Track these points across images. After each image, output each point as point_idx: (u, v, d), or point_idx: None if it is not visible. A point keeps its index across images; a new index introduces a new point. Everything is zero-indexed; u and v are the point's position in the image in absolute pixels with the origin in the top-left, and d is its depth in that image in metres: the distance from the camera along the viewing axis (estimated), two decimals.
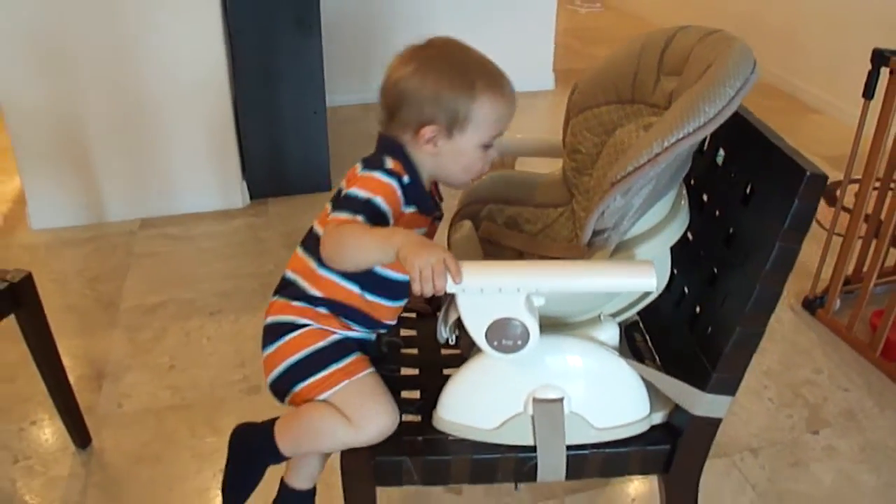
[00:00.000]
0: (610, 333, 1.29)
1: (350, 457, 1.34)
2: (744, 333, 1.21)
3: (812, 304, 2.63)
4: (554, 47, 4.75)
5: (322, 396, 1.34)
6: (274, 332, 1.40)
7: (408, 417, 1.37)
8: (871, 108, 2.36)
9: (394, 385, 1.38)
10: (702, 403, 1.28)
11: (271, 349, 1.39)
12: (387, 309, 1.41)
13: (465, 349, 1.35)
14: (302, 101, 3.21)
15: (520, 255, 1.53)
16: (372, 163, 1.33)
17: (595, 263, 1.21)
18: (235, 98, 3.15)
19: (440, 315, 1.27)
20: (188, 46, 2.97)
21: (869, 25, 4.09)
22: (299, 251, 1.43)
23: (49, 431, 2.11)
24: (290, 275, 1.42)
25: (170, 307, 2.63)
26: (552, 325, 1.24)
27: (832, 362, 2.44)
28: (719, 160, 1.34)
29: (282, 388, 1.39)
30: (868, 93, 2.34)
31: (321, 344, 1.36)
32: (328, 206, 1.34)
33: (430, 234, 1.42)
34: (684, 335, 1.37)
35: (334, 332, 1.37)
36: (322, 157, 3.33)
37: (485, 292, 1.15)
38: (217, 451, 2.03)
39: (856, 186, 2.47)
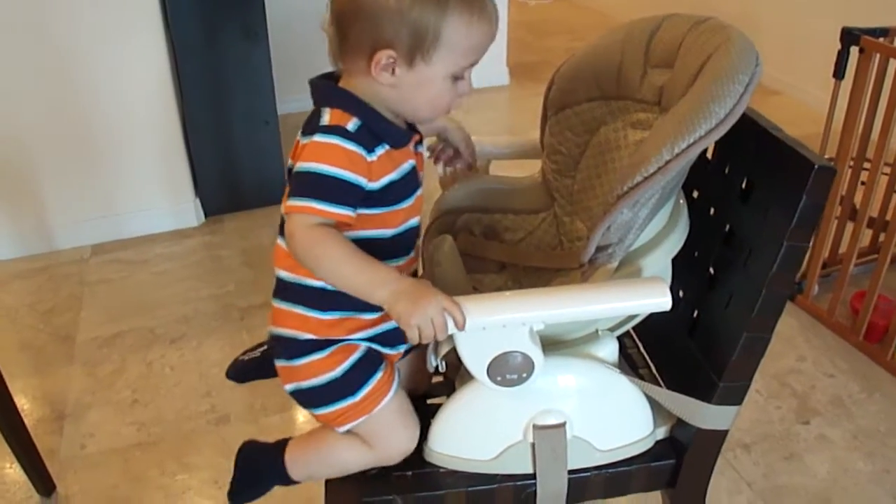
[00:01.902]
0: (609, 349, 1.20)
1: (335, 498, 1.25)
2: (751, 339, 1.13)
3: (791, 291, 2.58)
4: (506, 41, 4.67)
5: (344, 428, 1.22)
6: (283, 347, 1.23)
7: None
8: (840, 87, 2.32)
9: None
10: (708, 416, 1.21)
11: (282, 364, 1.24)
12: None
13: (456, 376, 1.25)
14: (252, 111, 3.11)
15: (502, 266, 1.44)
16: (309, 126, 1.13)
17: (604, 287, 1.11)
18: (183, 113, 3.04)
19: (430, 345, 1.15)
20: (131, 62, 2.86)
21: (825, 6, 4.07)
22: (279, 242, 1.22)
23: (10, 480, 1.99)
24: (280, 273, 1.23)
25: (128, 337, 2.51)
26: (548, 344, 1.14)
27: (816, 349, 2.40)
28: (708, 153, 1.25)
29: (308, 404, 1.26)
30: (838, 73, 2.30)
31: (341, 368, 1.20)
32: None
33: (418, 165, 1.23)
34: (683, 341, 1.29)
35: (353, 350, 1.21)
36: (277, 168, 3.23)
37: (487, 329, 1.06)
38: (189, 488, 1.94)
39: None
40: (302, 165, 1.09)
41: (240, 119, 3.12)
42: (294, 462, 1.29)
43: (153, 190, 3.10)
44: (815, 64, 2.39)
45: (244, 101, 3.09)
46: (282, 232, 1.17)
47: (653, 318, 1.21)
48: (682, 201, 1.24)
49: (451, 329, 1.03)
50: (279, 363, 1.25)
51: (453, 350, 1.10)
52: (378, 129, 1.14)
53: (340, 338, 1.21)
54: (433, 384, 1.44)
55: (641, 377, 1.35)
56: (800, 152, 1.03)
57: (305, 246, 1.07)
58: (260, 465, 1.33)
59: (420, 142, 1.26)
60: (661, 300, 1.06)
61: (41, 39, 2.72)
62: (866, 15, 2.82)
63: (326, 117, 1.12)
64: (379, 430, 1.21)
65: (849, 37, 2.24)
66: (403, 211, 1.20)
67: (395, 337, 1.24)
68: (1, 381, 1.79)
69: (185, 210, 3.16)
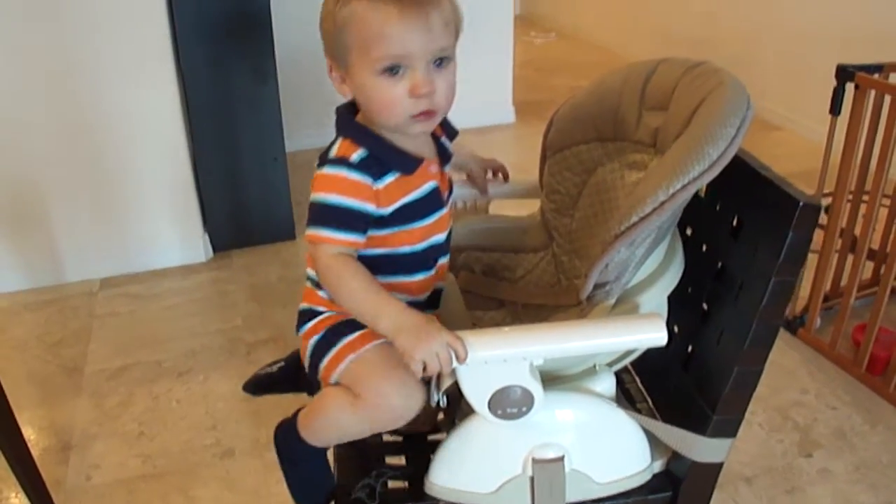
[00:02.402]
0: (606, 384, 1.22)
1: None
2: (742, 372, 1.16)
3: (793, 324, 2.59)
4: (512, 80, 4.72)
5: (332, 378, 1.25)
6: (301, 318, 1.32)
7: (395, 484, 1.29)
8: (837, 123, 2.34)
9: (377, 450, 1.31)
10: (702, 448, 1.22)
11: (300, 333, 1.32)
12: (410, 284, 1.28)
13: (456, 415, 1.27)
14: (261, 149, 3.14)
15: (501, 303, 1.46)
16: (322, 158, 1.19)
17: (602, 322, 1.15)
18: (193, 150, 3.09)
19: (432, 380, 1.18)
20: (142, 99, 2.89)
21: (824, 42, 4.11)
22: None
23: None
24: (310, 272, 1.31)
25: (136, 370, 2.53)
26: (547, 379, 1.17)
27: (818, 382, 2.41)
28: (701, 192, 1.28)
29: (313, 373, 1.30)
30: (835, 109, 2.33)
31: (335, 323, 1.27)
32: None
33: (442, 186, 1.27)
34: (678, 375, 1.31)
35: (349, 315, 1.26)
36: (284, 205, 3.26)
37: (488, 363, 1.09)
38: None
39: (827, 202, 2.45)
40: (312, 196, 1.16)
41: (248, 156, 3.15)
42: (306, 430, 1.30)
43: (162, 225, 3.13)
44: (815, 99, 2.42)
45: (253, 138, 3.12)
46: None
47: (649, 353, 1.23)
48: (677, 240, 1.26)
49: (454, 363, 1.06)
50: (299, 333, 1.32)
51: (455, 385, 1.13)
52: (385, 158, 1.18)
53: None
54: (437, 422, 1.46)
55: (639, 411, 1.37)
56: (785, 190, 1.06)
57: (324, 273, 1.17)
58: (289, 442, 1.34)
59: (447, 161, 1.30)
60: (657, 335, 1.09)
61: (55, 77, 2.77)
62: (864, 50, 2.86)
63: (335, 149, 1.18)
64: (364, 374, 1.21)
65: (844, 73, 2.27)
66: (423, 229, 1.25)
67: None
68: (8, 411, 1.81)
69: (193, 245, 3.19)
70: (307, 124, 4.04)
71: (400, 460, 1.37)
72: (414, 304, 1.22)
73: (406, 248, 1.25)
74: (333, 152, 1.18)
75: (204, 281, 3.08)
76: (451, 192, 1.33)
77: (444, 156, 1.30)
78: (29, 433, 2.21)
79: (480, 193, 1.56)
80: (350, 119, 1.22)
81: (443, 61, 1.14)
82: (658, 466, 1.31)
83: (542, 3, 7.59)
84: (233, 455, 2.15)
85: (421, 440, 1.40)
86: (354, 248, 1.18)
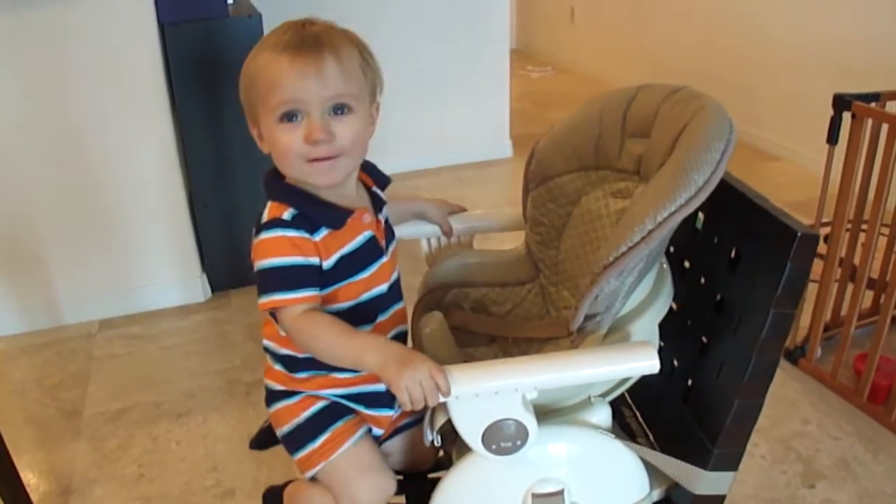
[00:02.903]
0: (602, 416, 1.22)
1: None
2: (743, 406, 1.15)
3: (794, 355, 2.58)
4: (509, 114, 4.72)
5: (309, 473, 1.28)
6: (269, 396, 1.35)
7: None
8: (835, 152, 2.35)
9: None
10: (704, 482, 1.22)
11: (272, 409, 1.35)
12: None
13: (452, 453, 1.27)
14: (258, 187, 3.10)
15: (492, 339, 1.46)
16: (256, 224, 1.21)
17: (593, 352, 1.14)
18: (190, 189, 3.09)
19: (426, 418, 1.18)
20: (138, 138, 2.90)
21: (820, 71, 4.12)
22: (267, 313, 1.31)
23: None
24: (264, 341, 1.33)
25: (135, 412, 2.52)
26: (542, 413, 1.16)
27: (820, 412, 2.39)
28: (698, 224, 1.28)
29: (288, 448, 1.33)
30: (832, 138, 2.33)
31: (304, 415, 1.28)
32: None
33: (379, 235, 1.28)
34: (678, 409, 1.30)
35: (318, 400, 1.29)
36: None
37: (480, 396, 1.08)
38: None
39: (826, 231, 2.45)
40: (257, 264, 1.17)
41: (245, 195, 3.14)
42: None
43: (160, 265, 3.12)
44: (813, 129, 2.43)
45: (250, 176, 3.11)
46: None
47: (649, 386, 1.24)
48: (665, 267, 1.26)
49: (441, 397, 1.05)
50: (271, 409, 1.35)
51: (450, 423, 1.12)
52: (312, 215, 1.19)
53: (309, 391, 1.30)
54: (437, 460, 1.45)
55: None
56: (783, 221, 1.06)
57: (296, 336, 1.16)
58: None
59: (380, 208, 1.31)
60: (648, 363, 1.09)
61: (49, 116, 2.77)
62: (860, 79, 2.86)
63: (266, 213, 1.19)
64: (338, 479, 1.26)
65: (841, 103, 2.27)
66: (362, 282, 1.25)
67: (375, 399, 1.31)
68: (7, 456, 1.81)
69: (191, 285, 3.18)
70: None
71: (400, 500, 1.35)
72: None
73: (345, 304, 1.25)
74: (265, 217, 1.19)
75: (202, 321, 3.07)
76: (391, 239, 1.33)
77: (377, 204, 1.32)
78: (28, 478, 2.19)
79: (446, 236, 1.55)
80: (276, 180, 1.23)
81: (343, 108, 1.16)
82: (657, 495, 1.30)
83: (538, 37, 7.64)
84: (233, 496, 2.13)
85: (420, 479, 1.39)
86: (314, 304, 1.17)
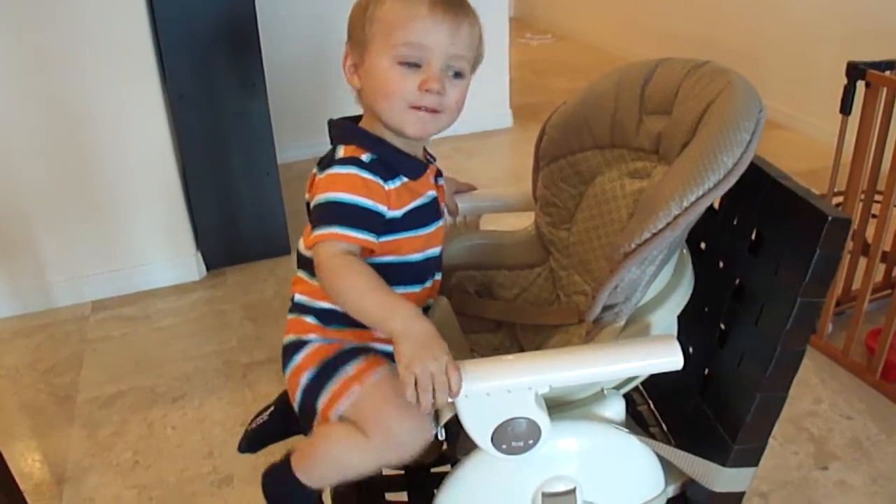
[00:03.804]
0: (616, 409, 1.14)
1: None
2: (765, 399, 1.08)
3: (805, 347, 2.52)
4: (508, 83, 4.64)
5: (335, 414, 1.17)
6: (287, 353, 1.25)
7: None
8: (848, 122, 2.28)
9: (378, 486, 1.24)
10: (722, 479, 1.15)
11: (288, 371, 1.24)
12: (411, 295, 1.25)
13: (457, 448, 1.20)
14: (252, 164, 3.07)
15: (498, 324, 1.39)
16: (325, 161, 1.18)
17: (612, 347, 1.07)
18: (183, 166, 3.02)
19: (429, 415, 1.11)
20: (128, 116, 2.83)
21: (828, 39, 4.05)
22: (297, 272, 1.28)
23: None
24: (297, 297, 1.27)
25: (129, 396, 2.46)
26: (552, 405, 1.09)
27: (831, 390, 2.34)
28: (716, 203, 1.21)
29: (307, 411, 1.22)
30: (845, 108, 2.26)
31: (335, 352, 1.21)
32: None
33: (440, 196, 1.28)
34: (695, 400, 1.24)
35: (346, 343, 1.22)
36: (278, 220, 3.20)
37: (491, 395, 1.01)
38: None
39: (838, 202, 2.39)
40: (321, 197, 1.12)
41: (240, 171, 3.08)
42: (303, 468, 1.22)
43: (154, 244, 3.06)
44: (821, 97, 2.36)
45: (244, 152, 3.05)
46: (299, 265, 1.26)
47: (662, 375, 1.16)
48: (685, 253, 1.19)
49: (447, 397, 0.98)
50: (287, 374, 1.25)
51: (456, 418, 1.05)
52: (393, 162, 1.18)
53: (346, 340, 1.23)
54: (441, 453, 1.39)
55: (652, 436, 1.29)
56: (812, 203, 0.98)
57: (328, 276, 1.09)
58: (283, 488, 1.26)
59: (440, 174, 1.30)
60: (672, 359, 1.02)
61: (38, 96, 2.71)
62: (872, 47, 2.79)
63: (341, 152, 1.16)
64: (373, 410, 1.14)
65: (855, 71, 2.20)
66: (425, 237, 1.22)
67: None
68: None
69: (186, 264, 3.12)
70: (298, 136, 4.00)
71: (401, 496, 1.29)
72: None
73: (411, 257, 1.22)
74: (340, 154, 1.16)
75: (198, 300, 3.01)
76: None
77: (434, 166, 1.29)
78: (21, 466, 2.14)
79: (451, 216, 1.49)
80: (353, 126, 1.21)
81: (458, 72, 1.17)
82: (672, 491, 1.24)
83: (538, 4, 7.53)
84: (231, 483, 2.08)
85: (423, 473, 1.33)
86: (360, 249, 1.13)
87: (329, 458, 1.19)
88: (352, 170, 1.13)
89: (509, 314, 1.39)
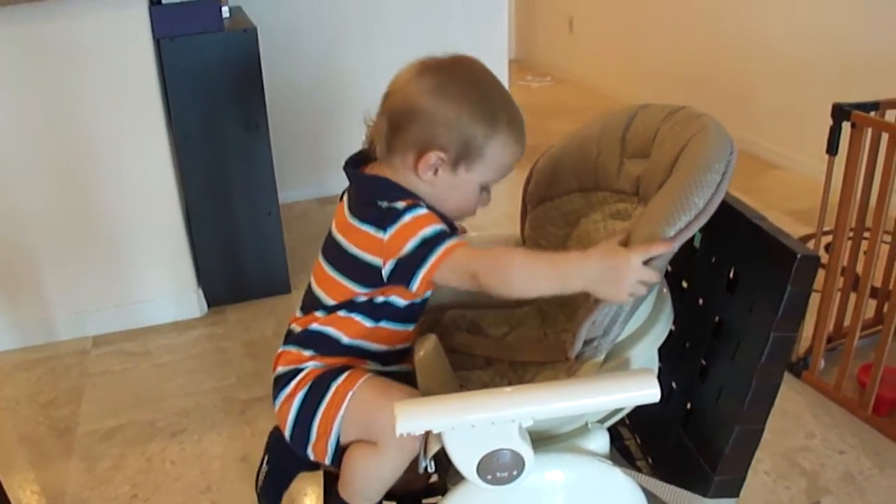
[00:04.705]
0: (600, 442, 1.18)
1: None
2: (743, 431, 1.12)
3: (796, 367, 2.55)
4: None
5: (334, 427, 1.24)
6: (277, 385, 1.32)
7: None
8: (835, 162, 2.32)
9: None
10: None
11: (280, 399, 1.30)
12: (406, 333, 1.33)
13: (448, 478, 1.23)
14: (254, 203, 3.12)
15: (488, 361, 1.42)
16: (391, 216, 1.20)
17: (591, 381, 1.11)
18: (186, 204, 3.06)
19: (420, 446, 1.15)
20: (133, 155, 2.87)
21: (820, 78, 4.09)
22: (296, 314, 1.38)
23: None
24: (293, 327, 1.36)
25: (129, 430, 2.49)
26: (536, 439, 1.12)
27: (824, 425, 2.36)
28: (697, 243, 1.25)
29: (301, 434, 1.28)
30: (831, 148, 2.30)
31: (324, 372, 1.27)
32: (346, 214, 1.27)
33: None
34: (678, 433, 1.27)
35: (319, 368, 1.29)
36: (279, 259, 3.24)
37: (475, 427, 1.05)
38: None
39: (827, 240, 2.42)
40: (414, 239, 1.17)
41: (242, 211, 3.12)
42: (348, 493, 1.28)
43: (156, 281, 3.09)
44: (813, 136, 2.40)
45: (246, 193, 3.10)
46: (314, 306, 1.32)
47: (647, 409, 1.20)
48: (664, 290, 1.23)
49: (439, 428, 1.02)
50: (277, 401, 1.31)
51: (444, 450, 1.09)
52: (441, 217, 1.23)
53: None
54: (430, 484, 1.42)
55: (638, 469, 1.32)
56: (782, 242, 1.03)
57: (489, 268, 1.15)
58: None
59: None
60: (649, 392, 1.05)
61: (44, 132, 2.75)
62: (862, 87, 2.83)
63: (402, 203, 1.20)
64: (366, 416, 1.21)
65: (840, 113, 2.25)
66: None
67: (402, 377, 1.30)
68: None
69: (187, 301, 3.15)
70: (299, 178, 4.03)
71: None
72: (393, 354, 1.30)
73: (414, 299, 1.28)
74: (400, 205, 1.20)
75: (198, 337, 3.04)
76: None
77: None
78: (21, 497, 2.16)
79: None
80: (400, 186, 1.24)
81: None
82: None
83: (538, 47, 7.60)
84: None
85: (414, 502, 1.36)
86: None
87: (361, 477, 1.25)
88: (422, 211, 1.19)
89: (498, 351, 1.42)
